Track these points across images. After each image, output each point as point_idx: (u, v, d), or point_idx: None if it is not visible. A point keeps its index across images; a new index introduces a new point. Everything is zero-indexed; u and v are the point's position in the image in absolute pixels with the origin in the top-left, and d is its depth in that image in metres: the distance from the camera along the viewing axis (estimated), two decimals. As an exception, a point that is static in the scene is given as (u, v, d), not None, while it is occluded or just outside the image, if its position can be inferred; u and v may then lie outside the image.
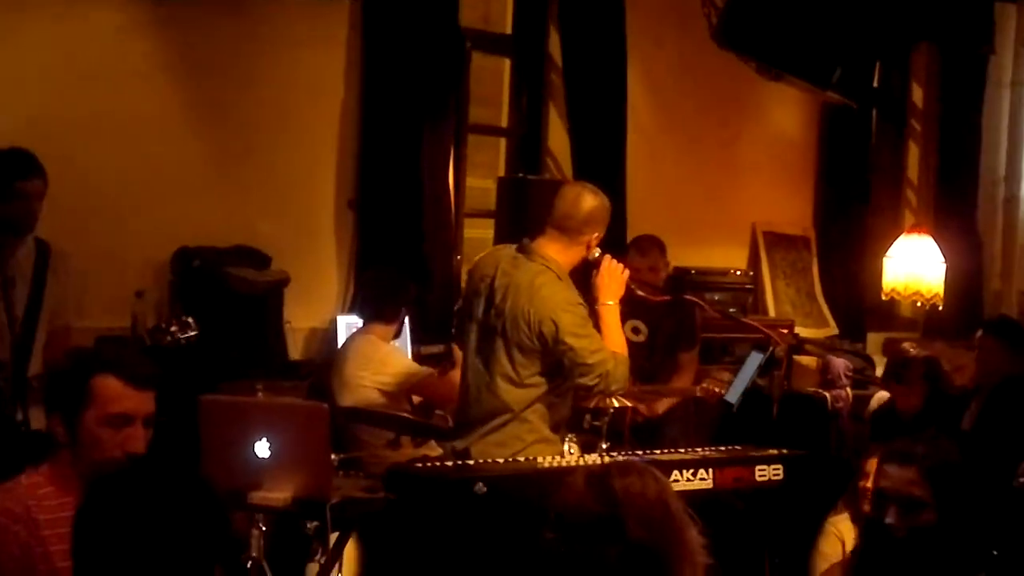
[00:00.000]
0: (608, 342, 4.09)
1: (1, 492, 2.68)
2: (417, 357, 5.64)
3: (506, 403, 4.12)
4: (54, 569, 2.50)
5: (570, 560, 2.04)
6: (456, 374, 4.80)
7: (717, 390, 4.77)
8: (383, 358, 5.13)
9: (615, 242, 5.53)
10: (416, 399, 5.11)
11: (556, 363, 4.07)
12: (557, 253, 4.16)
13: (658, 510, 2.06)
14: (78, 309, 4.48)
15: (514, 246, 4.31)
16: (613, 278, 4.19)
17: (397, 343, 5.40)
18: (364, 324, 5.34)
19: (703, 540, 2.11)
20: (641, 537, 2.01)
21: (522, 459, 3.96)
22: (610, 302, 4.16)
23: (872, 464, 4.33)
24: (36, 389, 4.22)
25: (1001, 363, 5.93)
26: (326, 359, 5.80)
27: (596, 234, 4.19)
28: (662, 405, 5.26)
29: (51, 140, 4.73)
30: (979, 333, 6.29)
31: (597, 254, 4.22)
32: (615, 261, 4.23)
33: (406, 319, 5.33)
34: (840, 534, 4.32)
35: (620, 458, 3.19)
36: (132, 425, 2.65)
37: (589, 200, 4.21)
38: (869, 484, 4.30)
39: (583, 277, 4.37)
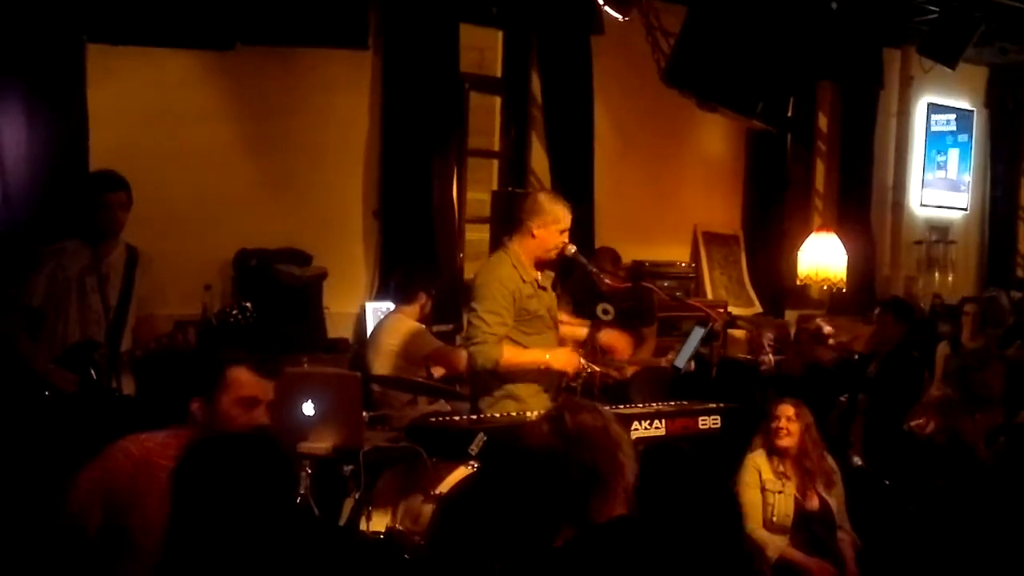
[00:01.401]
0: (513, 348, 3.99)
1: (133, 439, 2.67)
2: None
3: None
4: (150, 506, 2.49)
5: (536, 481, 2.20)
6: (462, 350, 4.81)
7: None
8: (408, 330, 5.09)
9: (585, 242, 5.55)
10: (437, 372, 5.05)
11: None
12: (516, 243, 4.11)
13: (600, 437, 2.23)
14: (160, 299, 4.45)
15: None
16: (570, 363, 4.08)
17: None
18: (395, 307, 5.28)
19: (632, 454, 2.27)
20: (586, 459, 2.19)
21: (514, 414, 3.95)
22: (547, 356, 4.03)
23: (779, 408, 4.36)
24: (126, 363, 4.21)
25: (894, 332, 5.97)
26: (362, 338, 5.78)
27: (536, 223, 4.05)
28: (630, 370, 5.24)
29: (138, 165, 4.69)
30: (877, 310, 6.30)
31: (572, 251, 4.19)
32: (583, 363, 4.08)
33: (430, 304, 5.27)
34: (757, 466, 4.33)
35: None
36: (258, 407, 2.66)
37: (534, 195, 4.26)
38: (780, 425, 4.31)
39: (561, 273, 4.36)
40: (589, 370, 4.13)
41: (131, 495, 2.54)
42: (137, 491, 2.54)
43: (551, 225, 4.05)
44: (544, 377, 4.09)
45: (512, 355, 3.99)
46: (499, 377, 4.03)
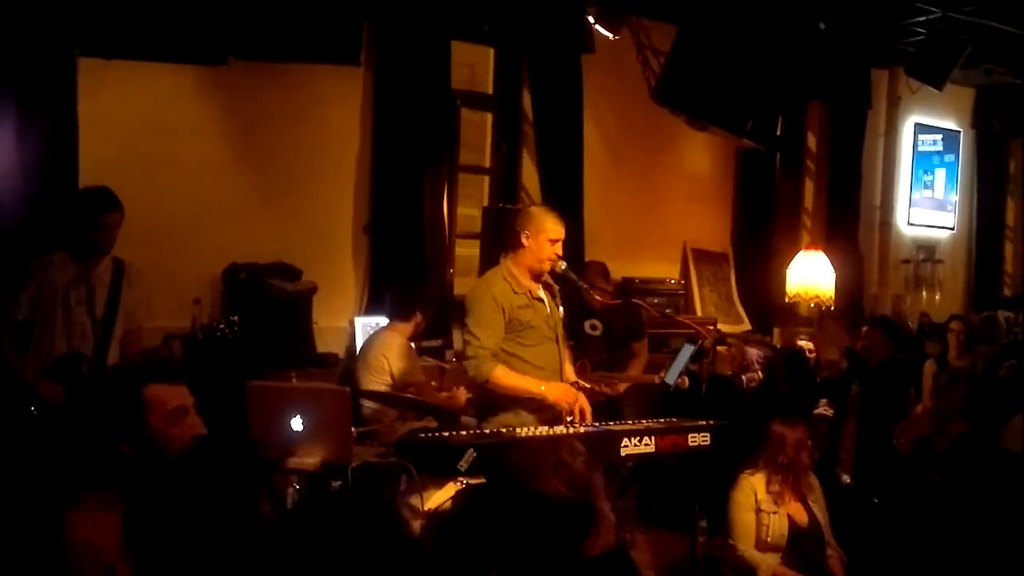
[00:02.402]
0: (508, 372, 3.98)
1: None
2: (419, 347, 5.59)
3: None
4: None
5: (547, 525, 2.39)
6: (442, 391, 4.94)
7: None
8: (399, 349, 5.06)
9: (575, 258, 5.54)
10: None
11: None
12: (510, 259, 4.13)
13: (596, 479, 2.49)
14: (148, 312, 4.42)
15: None
16: (565, 397, 4.05)
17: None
18: (389, 322, 5.24)
19: (604, 485, 2.53)
20: (591, 502, 2.44)
21: (504, 430, 3.92)
22: (543, 388, 4.01)
23: (777, 428, 4.34)
24: (115, 376, 4.17)
25: (882, 349, 5.98)
26: (352, 353, 5.76)
27: (527, 231, 4.05)
28: (622, 386, 5.22)
29: (128, 179, 4.69)
30: (865, 328, 6.32)
31: (563, 267, 4.18)
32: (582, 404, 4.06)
33: (424, 323, 5.25)
34: (752, 486, 4.32)
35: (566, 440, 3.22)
36: (188, 416, 2.58)
37: (526, 209, 4.30)
38: (776, 445, 4.30)
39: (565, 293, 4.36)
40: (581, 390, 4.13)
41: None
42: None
43: (540, 235, 4.06)
44: (544, 408, 4.05)
45: (506, 377, 3.98)
46: (499, 397, 4.02)
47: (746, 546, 4.21)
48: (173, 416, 2.53)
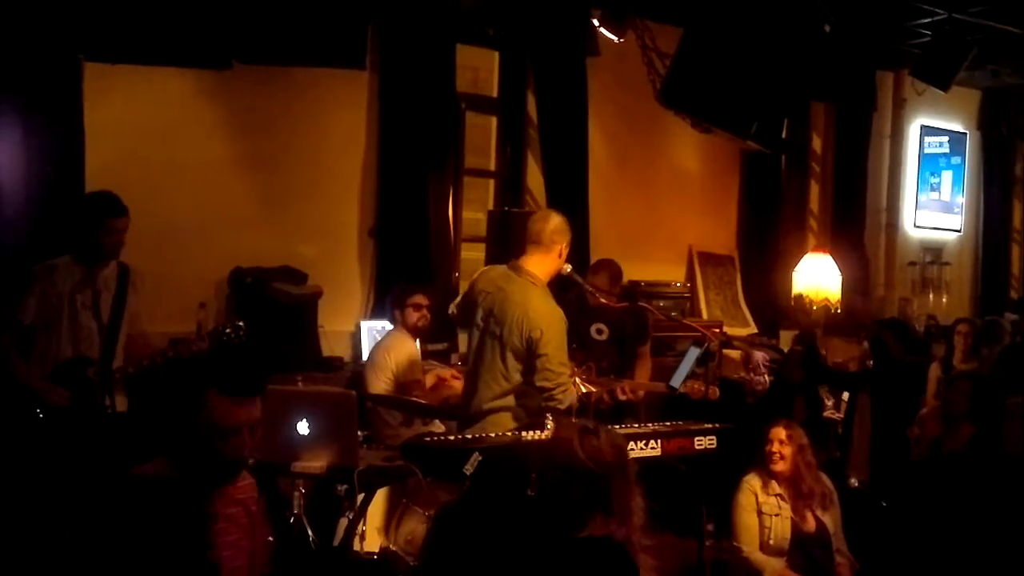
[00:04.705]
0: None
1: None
2: (424, 352, 5.60)
3: (495, 395, 4.05)
4: None
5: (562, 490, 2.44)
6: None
7: (702, 389, 4.64)
8: (405, 351, 5.11)
9: (580, 261, 5.53)
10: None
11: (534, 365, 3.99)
12: (536, 267, 4.10)
13: (611, 463, 2.52)
14: (152, 316, 4.42)
15: (504, 265, 4.25)
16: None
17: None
18: (398, 325, 5.27)
19: (631, 489, 2.58)
20: (596, 471, 2.47)
21: (508, 434, 3.91)
22: None
23: (772, 432, 4.33)
24: (119, 381, 4.18)
25: (892, 352, 5.97)
26: (358, 357, 5.78)
27: (563, 244, 4.11)
28: (642, 392, 5.22)
29: (133, 183, 4.68)
30: (875, 330, 6.30)
31: (568, 270, 4.18)
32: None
33: (406, 314, 5.24)
34: (752, 488, 4.30)
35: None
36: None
37: (555, 217, 4.21)
38: (774, 448, 4.29)
39: (557, 292, 4.34)
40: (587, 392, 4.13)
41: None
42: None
43: (568, 247, 4.15)
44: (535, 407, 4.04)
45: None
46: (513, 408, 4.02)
47: (751, 548, 4.19)
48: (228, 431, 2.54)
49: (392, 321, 5.29)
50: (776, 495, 4.26)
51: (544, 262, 4.10)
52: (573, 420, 2.66)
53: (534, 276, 4.09)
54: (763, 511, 4.24)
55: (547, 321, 3.99)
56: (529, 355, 3.98)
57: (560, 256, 4.12)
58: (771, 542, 4.21)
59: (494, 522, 3.07)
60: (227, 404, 2.58)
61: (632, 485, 2.55)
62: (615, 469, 2.49)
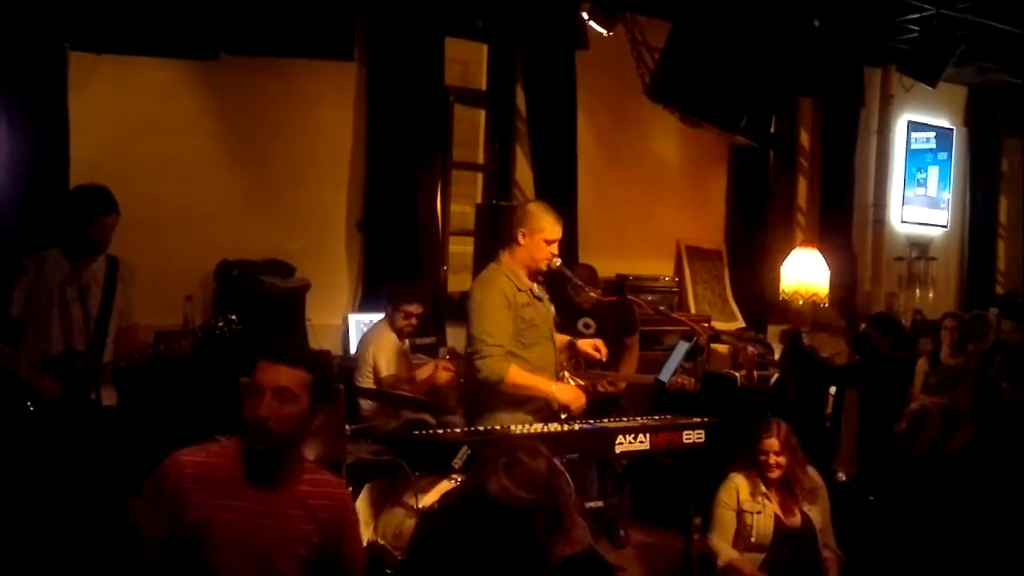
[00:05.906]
0: (520, 370, 3.90)
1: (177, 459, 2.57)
2: (413, 345, 5.60)
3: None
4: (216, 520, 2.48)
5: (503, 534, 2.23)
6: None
7: (682, 381, 4.60)
8: (381, 341, 5.14)
9: (568, 255, 5.54)
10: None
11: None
12: (506, 254, 4.07)
13: (557, 479, 2.33)
14: (140, 309, 4.40)
15: None
16: (576, 399, 4.02)
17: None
18: (385, 319, 5.29)
19: (571, 489, 2.41)
20: (552, 505, 2.27)
21: (497, 427, 3.91)
22: (553, 388, 4.00)
23: (766, 443, 4.30)
24: (108, 374, 4.16)
25: (878, 346, 6.00)
26: (346, 350, 5.78)
27: (525, 228, 4.01)
28: (623, 383, 5.22)
29: (119, 174, 4.66)
30: (863, 325, 6.34)
31: (557, 264, 4.17)
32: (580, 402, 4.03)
33: (403, 318, 5.26)
34: (736, 485, 4.29)
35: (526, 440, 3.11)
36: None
37: (522, 206, 4.21)
38: (770, 460, 4.26)
39: (546, 286, 4.34)
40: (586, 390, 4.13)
41: (192, 512, 2.47)
42: (201, 506, 2.48)
43: (536, 234, 4.01)
44: (545, 408, 4.02)
45: (520, 376, 3.90)
46: (500, 400, 3.94)
47: (718, 539, 4.20)
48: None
49: (384, 312, 5.28)
50: (761, 493, 4.25)
51: (513, 251, 4.05)
52: (489, 459, 2.30)
53: (501, 261, 4.07)
54: (744, 509, 4.23)
55: (478, 287, 4.00)
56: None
57: (524, 238, 4.00)
58: (752, 539, 4.20)
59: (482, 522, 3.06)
60: (262, 363, 2.53)
61: (564, 474, 2.38)
62: (552, 477, 2.30)
